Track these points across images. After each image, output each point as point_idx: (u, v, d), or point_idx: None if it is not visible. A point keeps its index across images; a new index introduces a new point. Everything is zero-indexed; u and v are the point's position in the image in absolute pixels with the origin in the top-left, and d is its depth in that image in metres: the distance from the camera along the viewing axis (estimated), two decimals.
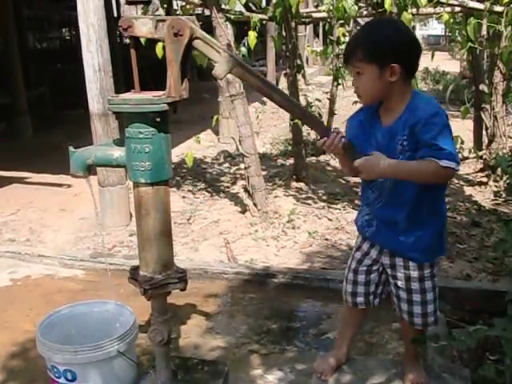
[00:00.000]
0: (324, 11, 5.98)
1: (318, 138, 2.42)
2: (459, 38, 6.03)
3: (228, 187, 6.85)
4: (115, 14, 16.33)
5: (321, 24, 18.58)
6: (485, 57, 7.21)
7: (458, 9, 5.70)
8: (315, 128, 2.44)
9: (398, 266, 2.54)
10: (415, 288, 2.54)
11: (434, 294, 2.58)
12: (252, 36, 5.57)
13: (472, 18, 5.17)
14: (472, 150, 7.09)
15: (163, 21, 2.25)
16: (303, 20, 6.73)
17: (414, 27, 5.47)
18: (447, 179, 2.42)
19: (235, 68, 2.31)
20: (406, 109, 2.34)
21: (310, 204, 6.02)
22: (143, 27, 2.30)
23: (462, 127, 7.59)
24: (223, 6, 5.56)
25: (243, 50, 6.07)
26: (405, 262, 2.52)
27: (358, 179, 2.79)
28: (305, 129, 7.28)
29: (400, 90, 2.35)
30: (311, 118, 2.48)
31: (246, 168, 5.73)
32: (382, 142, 2.41)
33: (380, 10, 4.90)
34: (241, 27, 10.30)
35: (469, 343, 2.82)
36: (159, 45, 5.19)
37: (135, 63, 2.39)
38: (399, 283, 2.57)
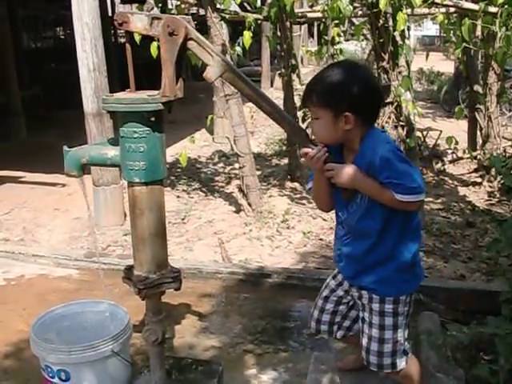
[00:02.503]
0: (319, 11, 5.98)
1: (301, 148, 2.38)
2: (454, 39, 6.04)
3: (222, 187, 6.85)
4: (110, 14, 16.28)
5: (315, 24, 18.59)
6: (479, 57, 7.23)
7: (452, 9, 5.71)
8: (301, 140, 2.40)
9: (363, 297, 2.48)
10: (375, 323, 2.43)
11: (395, 334, 2.43)
12: (247, 36, 5.57)
13: (466, 18, 5.18)
14: (466, 151, 7.11)
15: (159, 18, 2.25)
16: (298, 20, 6.72)
17: (408, 28, 5.46)
18: (409, 209, 2.27)
19: (226, 73, 2.31)
20: (360, 149, 2.28)
21: (304, 204, 6.02)
22: (138, 23, 2.29)
23: (456, 128, 7.63)
24: (218, 6, 5.56)
25: (238, 49, 6.07)
26: (369, 294, 2.44)
27: None
28: None
29: (357, 136, 2.29)
30: (298, 131, 2.44)
31: (240, 168, 5.73)
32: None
33: (375, 10, 4.91)
34: (236, 27, 10.32)
35: (462, 339, 2.82)
36: (154, 44, 5.19)
37: (131, 58, 2.39)
38: (365, 315, 2.50)
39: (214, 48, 2.35)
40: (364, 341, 2.49)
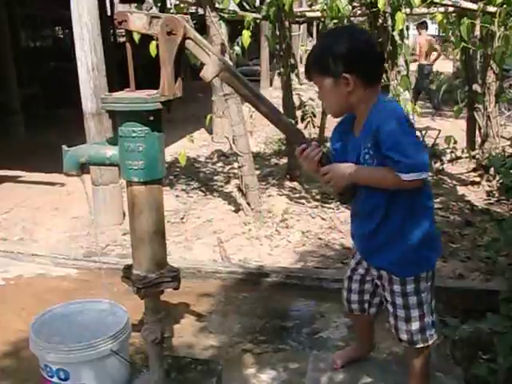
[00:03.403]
0: (318, 10, 5.98)
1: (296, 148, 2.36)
2: (453, 38, 6.05)
3: (221, 186, 6.85)
4: (109, 13, 16.28)
5: (315, 23, 18.60)
6: (478, 57, 7.24)
7: (451, 9, 5.73)
8: (298, 142, 2.37)
9: (383, 278, 2.47)
10: (399, 303, 2.44)
11: (421, 311, 2.44)
12: (246, 35, 5.57)
13: (465, 18, 5.19)
14: (465, 150, 7.12)
15: (158, 17, 2.25)
16: (297, 19, 6.73)
17: (407, 27, 5.48)
18: (413, 187, 2.19)
19: (223, 72, 2.30)
20: (367, 118, 2.26)
21: (303, 203, 6.03)
22: (137, 21, 2.29)
23: (455, 127, 7.63)
24: (217, 5, 5.55)
25: (237, 49, 6.07)
26: (389, 275, 2.43)
27: None
28: None
29: (362, 99, 2.27)
30: (295, 132, 2.44)
31: (239, 167, 5.73)
32: (353, 153, 2.34)
33: (374, 10, 4.91)
34: (235, 26, 10.30)
35: (461, 334, 2.82)
36: (153, 43, 5.19)
37: (131, 58, 2.39)
38: (386, 295, 2.50)
39: (211, 47, 2.35)
40: (391, 319, 2.50)
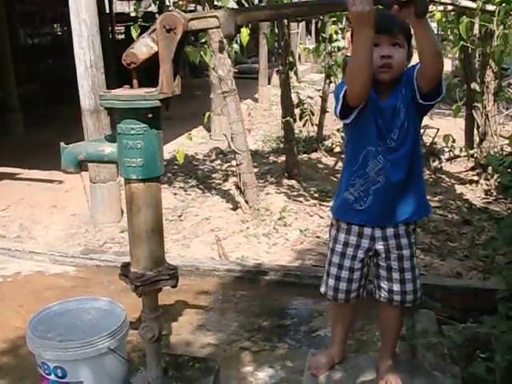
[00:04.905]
0: None
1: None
2: (451, 37, 6.04)
3: (219, 184, 6.84)
4: (107, 10, 16.25)
5: (313, 21, 18.59)
6: (477, 56, 7.23)
7: (450, 7, 5.71)
8: None
9: (388, 236, 2.59)
10: (407, 267, 2.61)
11: (419, 271, 2.72)
12: (244, 33, 5.56)
13: (464, 16, 5.18)
14: (463, 149, 7.12)
15: (155, 29, 2.23)
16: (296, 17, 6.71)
17: None
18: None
19: (238, 18, 2.24)
20: (402, 82, 2.49)
21: (301, 201, 6.02)
22: (144, 48, 2.26)
23: (453, 126, 7.62)
24: (216, 3, 5.54)
25: (235, 47, 6.06)
26: (395, 231, 2.59)
27: None
28: (296, 126, 7.28)
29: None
30: None
31: (237, 165, 5.73)
32: (386, 114, 2.50)
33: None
34: None
35: (456, 340, 2.85)
36: None
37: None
38: (393, 264, 2.61)
39: (212, 10, 2.30)
40: (396, 286, 2.64)
